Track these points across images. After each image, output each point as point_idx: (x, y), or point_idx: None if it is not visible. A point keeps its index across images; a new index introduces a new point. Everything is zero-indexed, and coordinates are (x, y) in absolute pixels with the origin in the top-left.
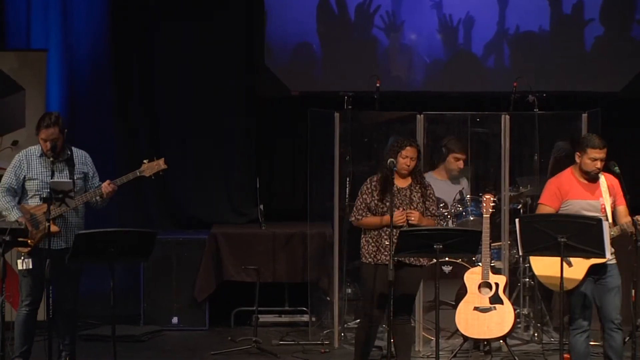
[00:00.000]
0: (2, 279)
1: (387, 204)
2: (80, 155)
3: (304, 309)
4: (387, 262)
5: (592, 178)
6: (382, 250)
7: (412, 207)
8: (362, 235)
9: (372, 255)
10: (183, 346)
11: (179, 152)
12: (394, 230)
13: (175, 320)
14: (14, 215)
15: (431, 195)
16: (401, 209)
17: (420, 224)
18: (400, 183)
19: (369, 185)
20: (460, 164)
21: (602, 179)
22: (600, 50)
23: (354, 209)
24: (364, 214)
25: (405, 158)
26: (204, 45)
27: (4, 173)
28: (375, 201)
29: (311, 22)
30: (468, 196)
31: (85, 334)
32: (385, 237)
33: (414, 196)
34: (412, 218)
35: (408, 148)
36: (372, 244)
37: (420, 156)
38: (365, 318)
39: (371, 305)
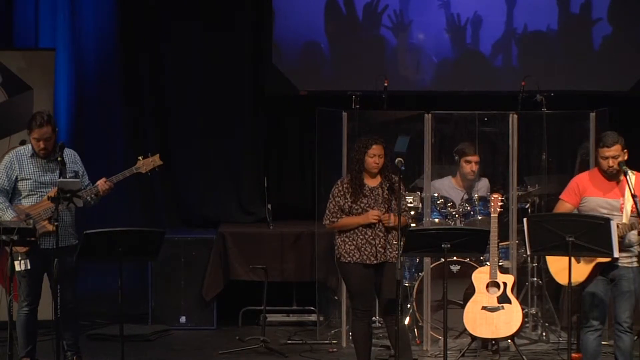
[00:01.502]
0: (10, 279)
1: (361, 204)
2: (70, 154)
3: (312, 308)
4: (364, 262)
5: (610, 176)
6: (361, 250)
7: (385, 205)
8: (337, 236)
9: (349, 254)
10: (191, 345)
11: (187, 151)
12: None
13: (183, 319)
14: (8, 215)
15: (401, 191)
16: (376, 208)
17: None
18: (370, 182)
19: (340, 188)
20: (473, 166)
21: (633, 178)
22: (608, 49)
23: (327, 212)
24: (338, 216)
25: (373, 157)
26: (212, 44)
27: None
28: (349, 203)
29: (319, 22)
30: (476, 195)
31: (93, 334)
32: (362, 236)
33: (386, 194)
34: (390, 223)
35: (374, 146)
36: (349, 243)
37: (387, 152)
38: (356, 313)
39: (357, 301)
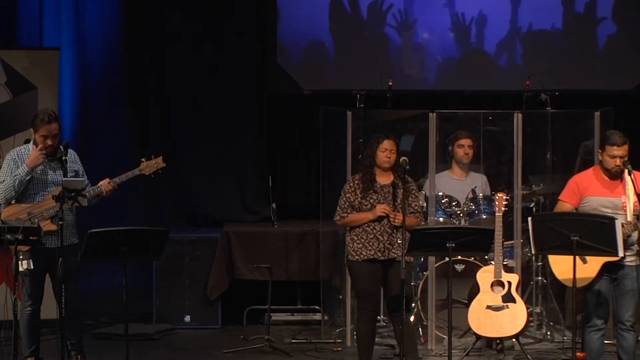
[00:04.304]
0: (15, 278)
1: (370, 200)
2: (70, 154)
3: (317, 307)
4: (372, 257)
5: (614, 175)
6: (368, 246)
7: (396, 203)
8: (347, 234)
9: (357, 252)
10: (195, 345)
11: (191, 150)
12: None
13: (187, 318)
14: (22, 170)
15: (413, 191)
16: (385, 204)
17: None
18: (382, 180)
19: (351, 184)
20: (466, 149)
21: (632, 177)
22: (612, 48)
23: (338, 208)
24: (348, 212)
25: (385, 151)
26: (216, 43)
27: None
28: (359, 199)
29: (323, 21)
30: (480, 194)
31: (97, 333)
32: (370, 232)
33: (397, 192)
34: (396, 221)
35: (386, 141)
36: (357, 241)
37: (399, 150)
38: (362, 313)
39: (364, 300)
